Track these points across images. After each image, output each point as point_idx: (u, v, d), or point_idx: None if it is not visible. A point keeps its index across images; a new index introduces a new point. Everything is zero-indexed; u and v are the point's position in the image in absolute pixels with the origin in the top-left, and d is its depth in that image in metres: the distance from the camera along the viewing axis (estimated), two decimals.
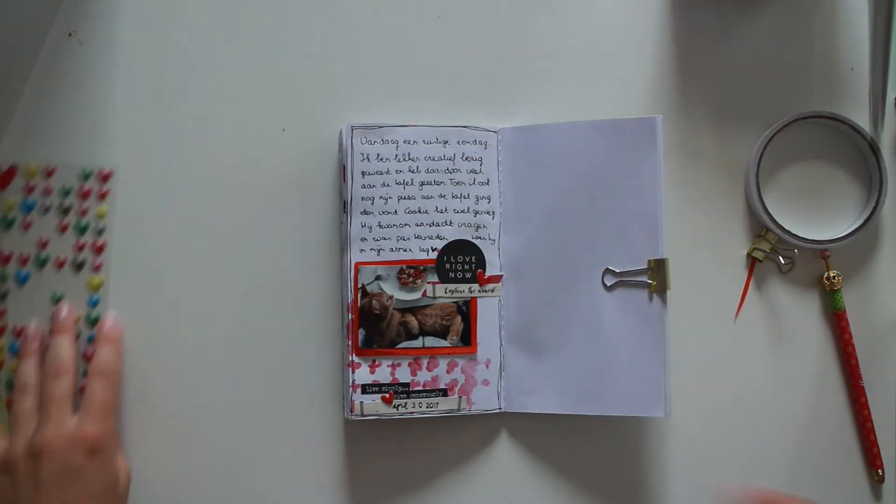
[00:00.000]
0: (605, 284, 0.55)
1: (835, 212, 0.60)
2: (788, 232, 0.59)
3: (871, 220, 0.59)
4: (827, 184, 0.60)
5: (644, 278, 0.55)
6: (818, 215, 0.60)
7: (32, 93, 0.57)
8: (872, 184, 0.60)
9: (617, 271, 0.55)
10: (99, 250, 0.55)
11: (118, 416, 0.53)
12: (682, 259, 0.59)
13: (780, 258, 0.59)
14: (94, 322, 0.55)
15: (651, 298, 0.55)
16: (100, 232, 0.55)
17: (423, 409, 0.55)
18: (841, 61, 0.61)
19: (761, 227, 0.60)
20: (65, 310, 0.54)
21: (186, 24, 0.57)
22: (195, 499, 0.55)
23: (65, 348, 0.52)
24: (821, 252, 0.59)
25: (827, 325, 0.60)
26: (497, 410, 0.56)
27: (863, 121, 0.60)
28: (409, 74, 0.58)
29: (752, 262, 0.60)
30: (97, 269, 0.55)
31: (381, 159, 0.55)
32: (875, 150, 0.59)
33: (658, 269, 0.54)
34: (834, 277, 0.59)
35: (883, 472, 0.59)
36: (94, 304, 0.55)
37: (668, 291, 0.54)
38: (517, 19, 0.59)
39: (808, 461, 0.59)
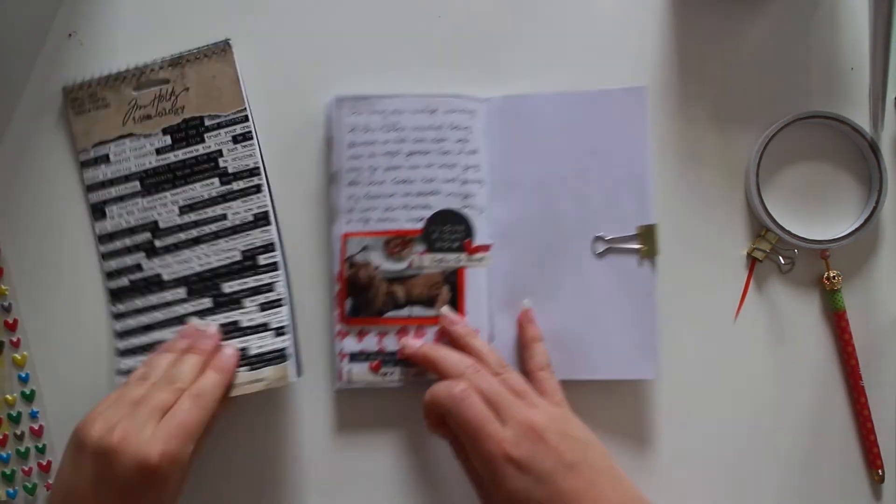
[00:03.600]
0: (594, 251, 0.56)
1: (835, 212, 0.60)
2: (788, 232, 0.59)
3: (871, 220, 0.59)
4: (827, 184, 0.60)
5: (634, 244, 0.55)
6: (818, 215, 0.60)
7: (32, 93, 0.57)
8: (872, 184, 0.60)
9: (606, 238, 0.55)
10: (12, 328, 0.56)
11: (198, 446, 0.49)
12: (681, 259, 0.59)
13: (780, 258, 0.59)
14: (29, 397, 0.55)
15: (641, 264, 0.55)
16: (6, 309, 0.55)
17: (411, 377, 0.55)
18: (841, 61, 0.61)
19: (761, 227, 0.59)
20: (228, 350, 0.53)
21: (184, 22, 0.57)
22: None
23: (189, 366, 0.51)
24: (821, 252, 0.59)
25: (827, 325, 0.60)
26: None
27: (863, 121, 0.60)
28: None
29: (752, 262, 0.60)
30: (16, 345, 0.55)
31: (367, 130, 0.56)
32: (875, 150, 0.59)
33: (647, 234, 0.55)
34: (834, 277, 0.59)
35: (883, 472, 0.59)
36: (26, 379, 0.55)
37: (657, 256, 0.55)
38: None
39: (808, 461, 0.59)
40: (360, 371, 0.55)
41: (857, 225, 0.59)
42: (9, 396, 0.55)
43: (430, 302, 0.56)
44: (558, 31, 0.60)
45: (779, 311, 0.60)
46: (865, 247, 0.60)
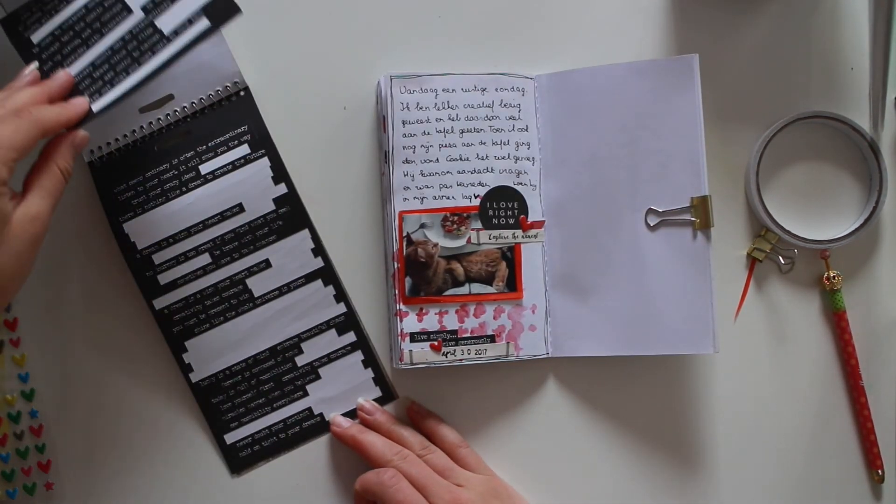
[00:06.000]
0: (648, 224, 0.55)
1: (835, 212, 0.60)
2: (788, 232, 0.59)
3: (871, 220, 0.59)
4: (827, 184, 0.60)
5: (687, 216, 0.55)
6: (818, 215, 0.60)
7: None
8: (872, 184, 0.60)
9: (660, 210, 0.55)
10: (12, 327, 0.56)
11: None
12: None
13: (780, 258, 0.59)
14: (28, 396, 0.55)
15: (695, 236, 0.55)
16: (6, 308, 0.55)
17: (472, 355, 0.55)
18: (841, 61, 0.61)
19: (761, 227, 0.59)
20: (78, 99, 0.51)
21: None
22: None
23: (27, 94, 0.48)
24: (821, 252, 0.59)
25: (827, 325, 0.60)
26: (545, 356, 0.56)
27: (863, 121, 0.60)
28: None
29: (752, 262, 0.60)
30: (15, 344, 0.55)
31: (420, 108, 0.55)
32: (875, 150, 0.59)
33: (701, 206, 0.54)
34: (834, 277, 0.59)
35: (883, 472, 0.59)
36: (25, 378, 0.55)
37: (711, 228, 0.54)
38: None
39: (808, 461, 0.59)
40: (422, 351, 0.55)
41: (857, 225, 0.59)
42: (8, 396, 0.55)
43: (488, 279, 0.55)
44: (558, 41, 0.60)
45: (779, 311, 0.60)
46: (865, 247, 0.60)
